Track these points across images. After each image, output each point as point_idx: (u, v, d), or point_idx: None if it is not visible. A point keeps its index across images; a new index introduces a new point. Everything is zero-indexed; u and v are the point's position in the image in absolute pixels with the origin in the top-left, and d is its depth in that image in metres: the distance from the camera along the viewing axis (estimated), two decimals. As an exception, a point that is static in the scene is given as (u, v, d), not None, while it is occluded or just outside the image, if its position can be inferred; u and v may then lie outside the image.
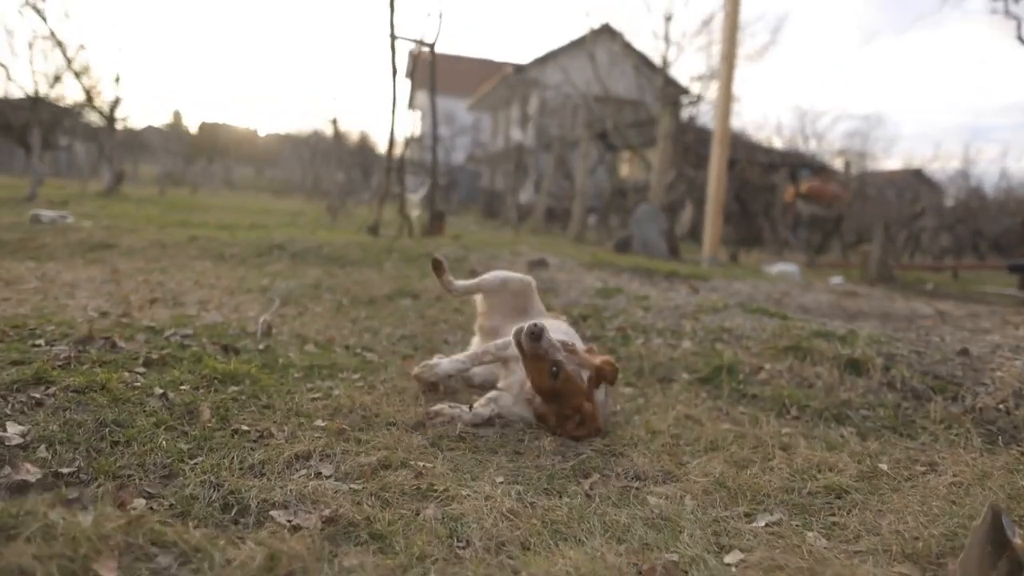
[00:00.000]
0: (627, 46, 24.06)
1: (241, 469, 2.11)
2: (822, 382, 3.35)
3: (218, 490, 1.91)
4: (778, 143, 22.93)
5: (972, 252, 18.16)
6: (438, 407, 2.67)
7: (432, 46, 8.85)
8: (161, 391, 2.55)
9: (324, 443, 2.31)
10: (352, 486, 2.04)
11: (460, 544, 1.76)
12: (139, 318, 3.69)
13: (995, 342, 4.29)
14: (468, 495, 2.03)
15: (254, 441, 2.32)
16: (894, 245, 14.50)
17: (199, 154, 34.33)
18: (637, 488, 2.27)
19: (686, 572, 1.72)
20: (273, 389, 2.77)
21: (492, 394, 2.82)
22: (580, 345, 2.91)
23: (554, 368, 2.55)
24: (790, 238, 17.53)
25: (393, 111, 8.48)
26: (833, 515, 2.17)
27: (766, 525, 2.07)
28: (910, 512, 2.15)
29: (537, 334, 2.54)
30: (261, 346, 3.34)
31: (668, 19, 20.24)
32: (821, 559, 1.81)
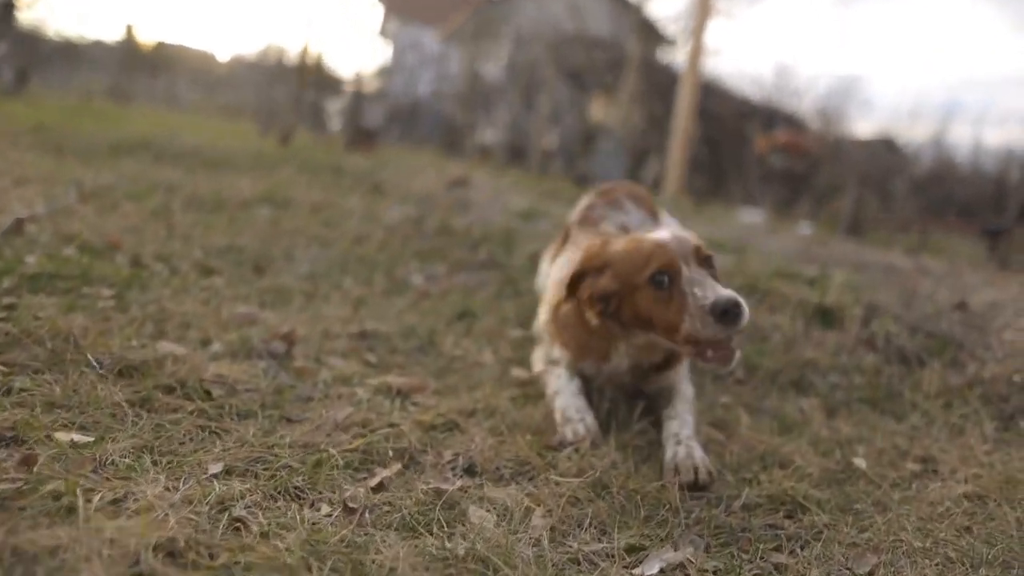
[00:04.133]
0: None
1: None
2: (781, 335, 2.46)
3: None
4: (755, 96, 21.89)
5: (939, 218, 17.68)
6: None
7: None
8: None
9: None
10: None
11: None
12: None
13: (991, 299, 3.47)
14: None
15: None
16: (866, 202, 13.79)
17: (139, 67, 31.45)
18: (463, 490, 1.35)
19: None
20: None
21: None
22: None
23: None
24: (758, 191, 16.73)
25: None
26: (778, 549, 1.28)
27: (660, 572, 1.17)
28: (905, 549, 1.27)
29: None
30: (-17, 244, 2.30)
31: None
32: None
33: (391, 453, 1.43)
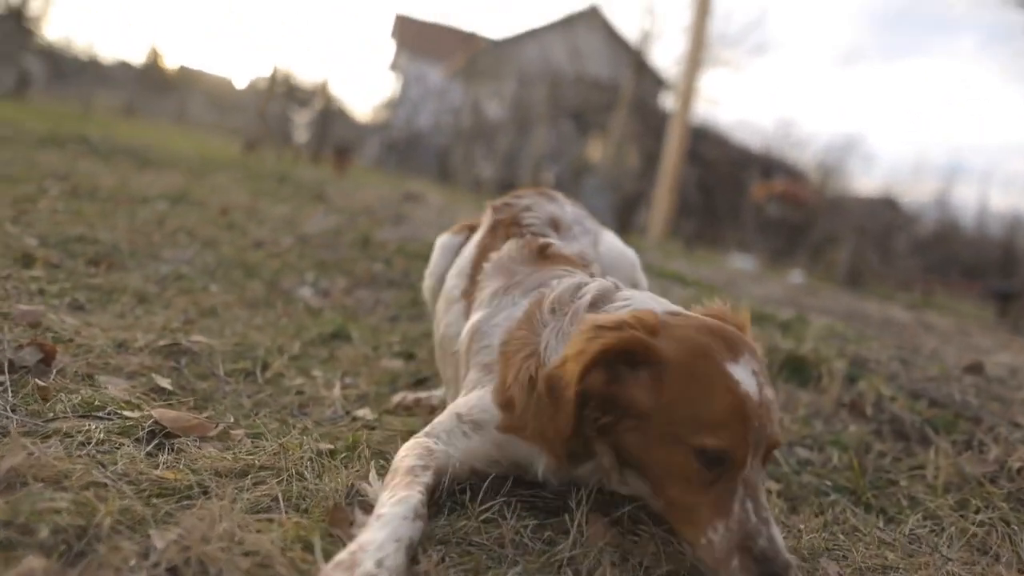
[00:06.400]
0: (609, 29, 22.95)
1: None
2: (740, 389, 1.89)
3: None
4: (754, 145, 21.75)
5: (942, 278, 17.28)
6: None
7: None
8: None
9: None
10: None
11: None
12: None
13: (1008, 362, 2.93)
14: None
15: None
16: (865, 255, 13.40)
17: (156, 87, 31.51)
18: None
19: None
20: None
21: None
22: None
23: None
24: (752, 238, 16.32)
25: None
26: None
27: None
28: None
29: None
30: None
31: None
32: None
33: (47, 535, 0.86)
